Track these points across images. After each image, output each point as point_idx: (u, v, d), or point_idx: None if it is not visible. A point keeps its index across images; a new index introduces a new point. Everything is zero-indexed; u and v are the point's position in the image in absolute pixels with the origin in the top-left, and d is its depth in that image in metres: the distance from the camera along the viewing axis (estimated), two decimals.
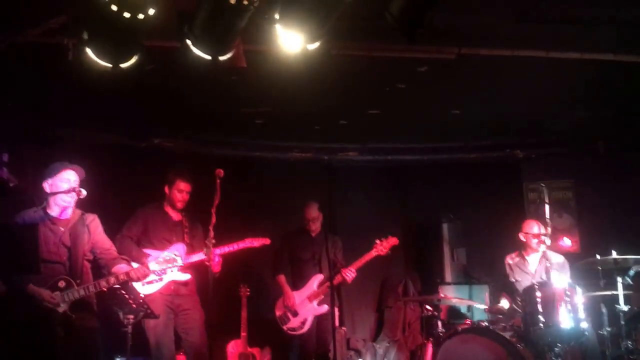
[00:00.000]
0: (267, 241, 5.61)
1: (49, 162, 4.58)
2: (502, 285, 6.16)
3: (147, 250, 5.26)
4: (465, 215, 7.71)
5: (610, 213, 7.14)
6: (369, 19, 4.32)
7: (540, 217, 5.97)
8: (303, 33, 3.77)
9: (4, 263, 3.91)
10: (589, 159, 7.58)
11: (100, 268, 4.64)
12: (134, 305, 4.51)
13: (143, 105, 6.14)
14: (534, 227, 5.92)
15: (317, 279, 6.12)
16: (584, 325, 5.13)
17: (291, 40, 3.83)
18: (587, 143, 7.53)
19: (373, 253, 5.98)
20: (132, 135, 6.83)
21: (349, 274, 5.90)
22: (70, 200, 4.46)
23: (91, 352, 4.46)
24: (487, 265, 7.22)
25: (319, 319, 6.07)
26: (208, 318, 5.23)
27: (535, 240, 5.87)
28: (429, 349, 5.77)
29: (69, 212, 4.53)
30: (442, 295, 6.30)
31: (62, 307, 4.26)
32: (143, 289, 5.09)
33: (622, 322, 5.39)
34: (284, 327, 6.09)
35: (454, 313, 6.88)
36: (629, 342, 5.41)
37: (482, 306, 5.87)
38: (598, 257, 5.54)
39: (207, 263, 4.49)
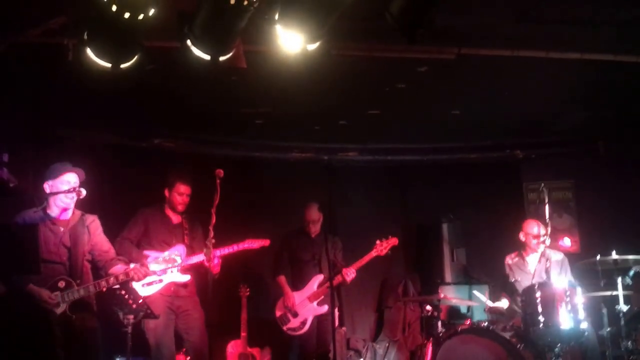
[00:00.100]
0: (266, 242, 5.60)
1: (49, 163, 4.59)
2: (502, 285, 6.16)
3: (147, 252, 5.26)
4: (465, 215, 7.70)
5: (610, 213, 7.14)
6: (369, 19, 4.32)
7: (540, 217, 5.96)
8: (303, 33, 3.77)
9: (4, 263, 3.91)
10: (589, 159, 7.59)
11: (98, 269, 4.65)
12: (134, 306, 4.52)
13: (143, 106, 6.15)
14: (534, 227, 5.92)
15: (317, 280, 6.12)
16: (584, 325, 5.13)
17: (291, 41, 3.83)
18: (587, 143, 7.54)
19: (373, 253, 5.98)
20: (132, 135, 6.83)
21: (349, 274, 5.91)
22: (70, 200, 4.47)
23: (91, 352, 4.47)
24: (487, 266, 7.22)
25: (319, 319, 6.07)
26: (208, 318, 5.24)
27: (535, 241, 5.87)
28: (429, 349, 5.76)
29: (69, 213, 4.54)
30: (442, 295, 6.31)
31: (62, 308, 4.27)
32: (143, 290, 5.09)
33: (622, 323, 5.38)
34: (284, 328, 6.09)
35: (454, 313, 6.88)
36: (629, 342, 5.41)
37: (483, 298, 5.89)
38: (598, 257, 5.54)
39: (206, 263, 4.49)
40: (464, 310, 6.86)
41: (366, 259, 5.97)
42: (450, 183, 7.90)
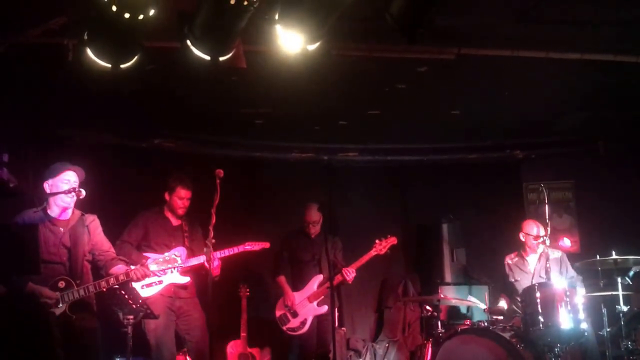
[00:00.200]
0: (266, 245, 5.61)
1: (49, 163, 4.58)
2: (501, 285, 6.16)
3: (147, 255, 5.26)
4: (465, 215, 7.70)
5: (610, 213, 7.14)
6: (369, 19, 4.33)
7: (540, 218, 5.97)
8: (303, 33, 3.77)
9: (4, 263, 3.91)
10: (589, 159, 7.59)
11: (98, 269, 4.64)
12: (134, 306, 4.51)
13: (143, 106, 6.15)
14: (533, 227, 5.92)
15: (317, 280, 6.12)
16: (584, 325, 5.13)
17: (291, 41, 3.83)
18: (587, 143, 7.54)
19: (372, 253, 5.98)
20: (132, 136, 6.83)
21: (349, 273, 5.91)
22: (70, 200, 4.46)
23: (91, 352, 4.46)
24: (486, 266, 7.22)
25: (319, 320, 6.07)
26: (208, 318, 5.23)
27: (534, 241, 5.87)
28: (429, 350, 5.76)
29: (68, 213, 4.53)
30: (441, 295, 6.31)
31: (62, 308, 4.27)
32: (142, 291, 5.08)
33: (622, 323, 5.38)
34: (284, 328, 6.10)
35: (454, 313, 6.88)
36: (629, 343, 5.41)
37: (481, 305, 5.89)
38: (598, 257, 5.54)
39: (206, 264, 4.49)
40: (463, 310, 6.86)
41: (366, 258, 5.97)
42: (450, 183, 7.90)
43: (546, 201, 5.65)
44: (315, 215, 6.17)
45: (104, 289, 4.43)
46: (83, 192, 4.40)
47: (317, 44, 3.89)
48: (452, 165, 7.83)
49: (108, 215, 4.97)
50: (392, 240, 6.06)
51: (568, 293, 5.11)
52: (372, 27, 4.49)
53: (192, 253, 5.36)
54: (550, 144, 7.68)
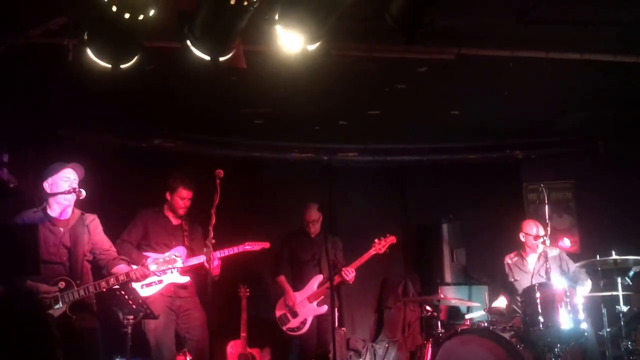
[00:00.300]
0: (266, 245, 5.60)
1: (49, 163, 4.58)
2: (501, 285, 6.16)
3: (147, 254, 5.25)
4: (465, 215, 7.70)
5: (610, 213, 7.14)
6: (369, 19, 4.33)
7: (540, 218, 5.97)
8: (303, 33, 3.77)
9: (4, 264, 3.91)
10: (589, 159, 7.59)
11: (99, 268, 4.64)
12: (134, 306, 4.51)
13: (143, 106, 6.15)
14: (532, 228, 5.92)
15: (317, 280, 6.12)
16: (584, 325, 5.13)
17: (291, 41, 3.83)
18: (587, 143, 7.54)
19: (372, 252, 5.98)
20: (132, 136, 6.83)
21: (349, 273, 5.91)
22: (70, 200, 4.46)
23: (91, 352, 4.46)
24: (486, 266, 7.22)
25: (319, 320, 6.07)
26: (208, 318, 5.23)
27: (534, 241, 5.87)
28: (429, 350, 5.77)
29: (68, 212, 4.53)
30: (441, 295, 6.30)
31: (62, 308, 4.26)
32: (142, 291, 5.08)
33: (622, 323, 5.39)
34: (284, 328, 6.09)
35: (454, 313, 6.88)
36: (629, 343, 5.41)
37: (481, 312, 5.89)
38: (598, 257, 5.54)
39: (206, 264, 4.49)
40: (463, 310, 6.86)
41: (365, 257, 5.97)
42: (450, 183, 7.90)
43: (546, 201, 5.66)
44: (314, 214, 6.17)
45: (104, 289, 4.43)
46: (83, 193, 4.40)
47: (317, 44, 3.89)
48: (452, 165, 7.83)
49: (108, 215, 4.97)
50: (391, 239, 6.06)
51: (568, 293, 5.11)
52: (372, 27, 4.49)
53: (192, 253, 5.36)
54: (550, 144, 7.68)
